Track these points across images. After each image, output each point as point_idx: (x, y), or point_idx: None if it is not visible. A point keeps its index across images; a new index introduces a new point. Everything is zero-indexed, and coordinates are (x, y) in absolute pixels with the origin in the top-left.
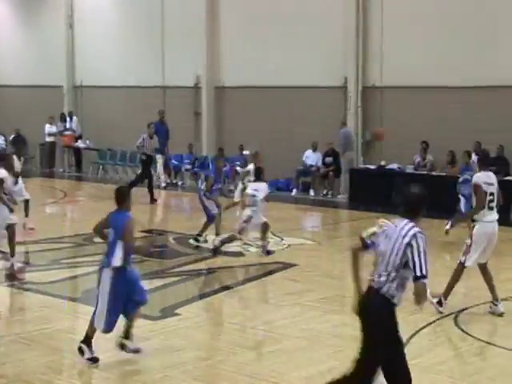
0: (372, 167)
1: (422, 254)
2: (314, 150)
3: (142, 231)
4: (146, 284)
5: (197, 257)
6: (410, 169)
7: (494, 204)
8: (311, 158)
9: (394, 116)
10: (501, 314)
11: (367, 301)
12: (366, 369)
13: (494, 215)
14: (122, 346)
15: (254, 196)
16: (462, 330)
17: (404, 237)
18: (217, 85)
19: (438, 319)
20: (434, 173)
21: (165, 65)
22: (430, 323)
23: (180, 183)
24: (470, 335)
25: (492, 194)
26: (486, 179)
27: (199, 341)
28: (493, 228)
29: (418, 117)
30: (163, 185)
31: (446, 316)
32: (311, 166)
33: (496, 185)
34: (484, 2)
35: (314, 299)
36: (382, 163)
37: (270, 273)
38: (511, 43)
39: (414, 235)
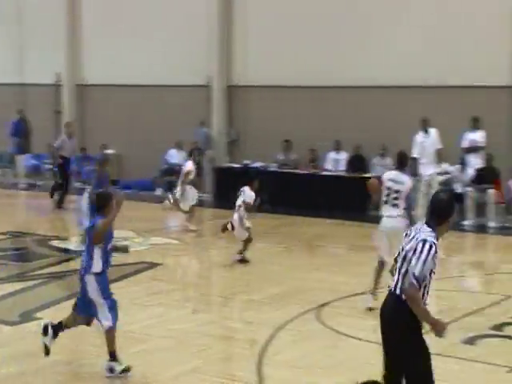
0: (236, 166)
1: (420, 260)
2: (179, 149)
3: None
4: (5, 288)
5: (58, 259)
6: (273, 167)
7: (397, 201)
8: (175, 157)
9: (257, 115)
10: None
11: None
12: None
13: (394, 211)
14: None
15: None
16: (323, 324)
17: (413, 239)
18: (79, 82)
19: (300, 314)
20: (297, 171)
21: (24, 62)
22: (292, 319)
23: (39, 183)
24: (331, 329)
25: (397, 191)
26: (393, 177)
27: (62, 345)
28: (390, 223)
29: (281, 115)
30: (23, 185)
31: (308, 311)
32: (175, 165)
33: (406, 184)
34: (346, 2)
35: (179, 298)
36: (246, 162)
37: (135, 273)
38: (373, 43)
39: (423, 240)
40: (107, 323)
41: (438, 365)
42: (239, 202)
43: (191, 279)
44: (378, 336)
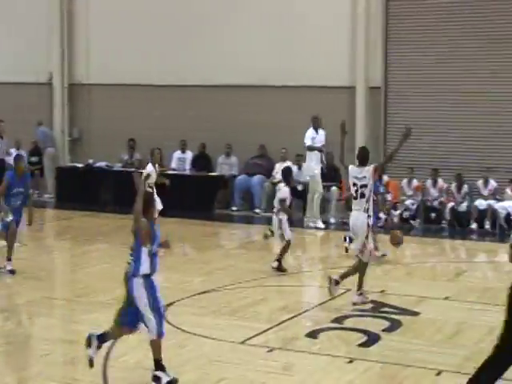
0: (79, 165)
1: None
2: (18, 148)
3: None
4: None
5: None
6: (117, 167)
7: (358, 196)
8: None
9: (101, 113)
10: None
11: None
12: None
13: (356, 206)
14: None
15: None
16: (170, 323)
17: None
18: None
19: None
20: (142, 170)
21: None
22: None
23: None
24: (178, 328)
25: (363, 186)
26: (356, 173)
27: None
28: (353, 217)
29: (126, 114)
30: None
31: None
32: None
33: (368, 181)
34: (190, 2)
35: (22, 302)
36: (90, 161)
37: None
38: (212, 43)
39: None
40: (154, 332)
41: (281, 359)
42: (275, 202)
43: (32, 282)
44: (224, 333)
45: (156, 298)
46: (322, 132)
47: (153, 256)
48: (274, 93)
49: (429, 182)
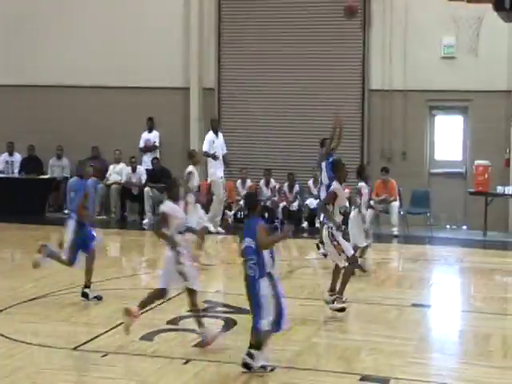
0: None
1: None
2: None
3: None
4: None
5: None
6: None
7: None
8: None
9: None
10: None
11: None
12: None
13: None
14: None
15: None
16: None
17: None
18: None
19: None
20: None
21: None
22: None
23: None
24: (7, 337)
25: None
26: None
27: None
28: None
29: None
30: None
31: None
32: None
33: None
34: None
35: None
36: None
37: None
38: (45, 44)
39: None
40: (267, 326)
41: (117, 363)
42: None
43: None
44: (56, 340)
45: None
46: (221, 135)
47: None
48: (107, 94)
49: (262, 182)
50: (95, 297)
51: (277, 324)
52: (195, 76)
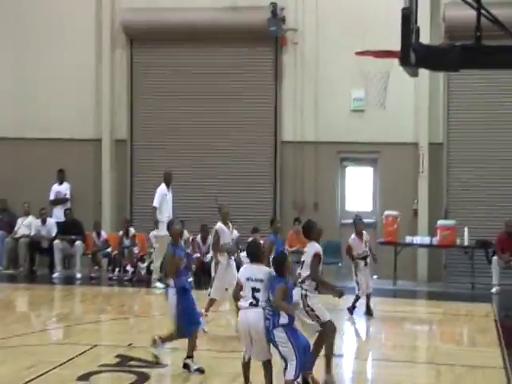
0: None
1: None
2: None
3: None
4: None
5: None
6: None
7: None
8: None
9: None
10: None
11: None
12: None
13: None
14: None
15: None
16: None
17: None
18: None
19: None
20: None
21: None
22: None
23: None
24: None
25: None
26: None
27: None
28: None
29: None
30: None
31: None
32: None
33: None
34: None
35: None
36: None
37: None
38: None
39: None
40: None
41: None
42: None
43: None
44: None
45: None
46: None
47: None
48: (17, 145)
49: None
50: None
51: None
52: (107, 127)
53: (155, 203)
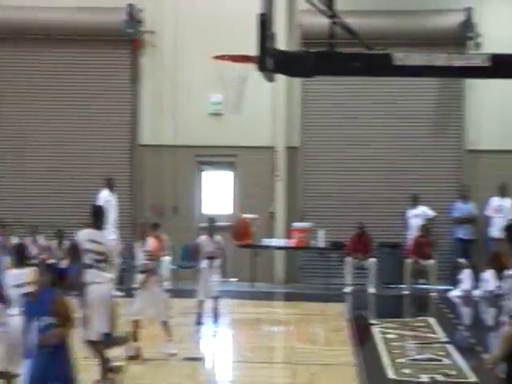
0: None
1: None
2: None
3: None
4: None
5: None
6: None
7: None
8: None
9: None
10: None
11: None
12: None
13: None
14: None
15: None
16: None
17: None
18: None
19: None
20: None
21: None
22: None
23: None
24: None
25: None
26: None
27: None
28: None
29: None
30: None
31: None
32: None
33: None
34: None
35: None
36: None
37: None
38: None
39: None
40: None
41: None
42: None
43: None
44: None
45: None
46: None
47: None
48: None
49: (28, 240)
50: None
51: None
52: None
53: None
